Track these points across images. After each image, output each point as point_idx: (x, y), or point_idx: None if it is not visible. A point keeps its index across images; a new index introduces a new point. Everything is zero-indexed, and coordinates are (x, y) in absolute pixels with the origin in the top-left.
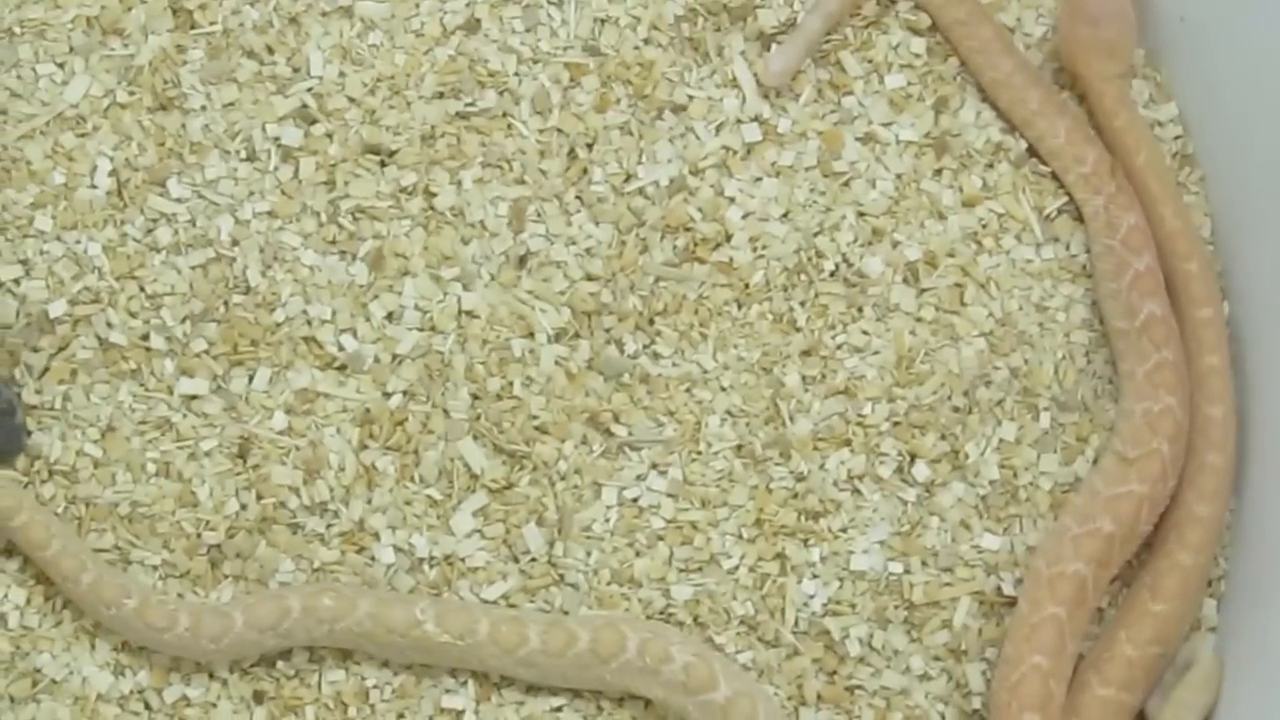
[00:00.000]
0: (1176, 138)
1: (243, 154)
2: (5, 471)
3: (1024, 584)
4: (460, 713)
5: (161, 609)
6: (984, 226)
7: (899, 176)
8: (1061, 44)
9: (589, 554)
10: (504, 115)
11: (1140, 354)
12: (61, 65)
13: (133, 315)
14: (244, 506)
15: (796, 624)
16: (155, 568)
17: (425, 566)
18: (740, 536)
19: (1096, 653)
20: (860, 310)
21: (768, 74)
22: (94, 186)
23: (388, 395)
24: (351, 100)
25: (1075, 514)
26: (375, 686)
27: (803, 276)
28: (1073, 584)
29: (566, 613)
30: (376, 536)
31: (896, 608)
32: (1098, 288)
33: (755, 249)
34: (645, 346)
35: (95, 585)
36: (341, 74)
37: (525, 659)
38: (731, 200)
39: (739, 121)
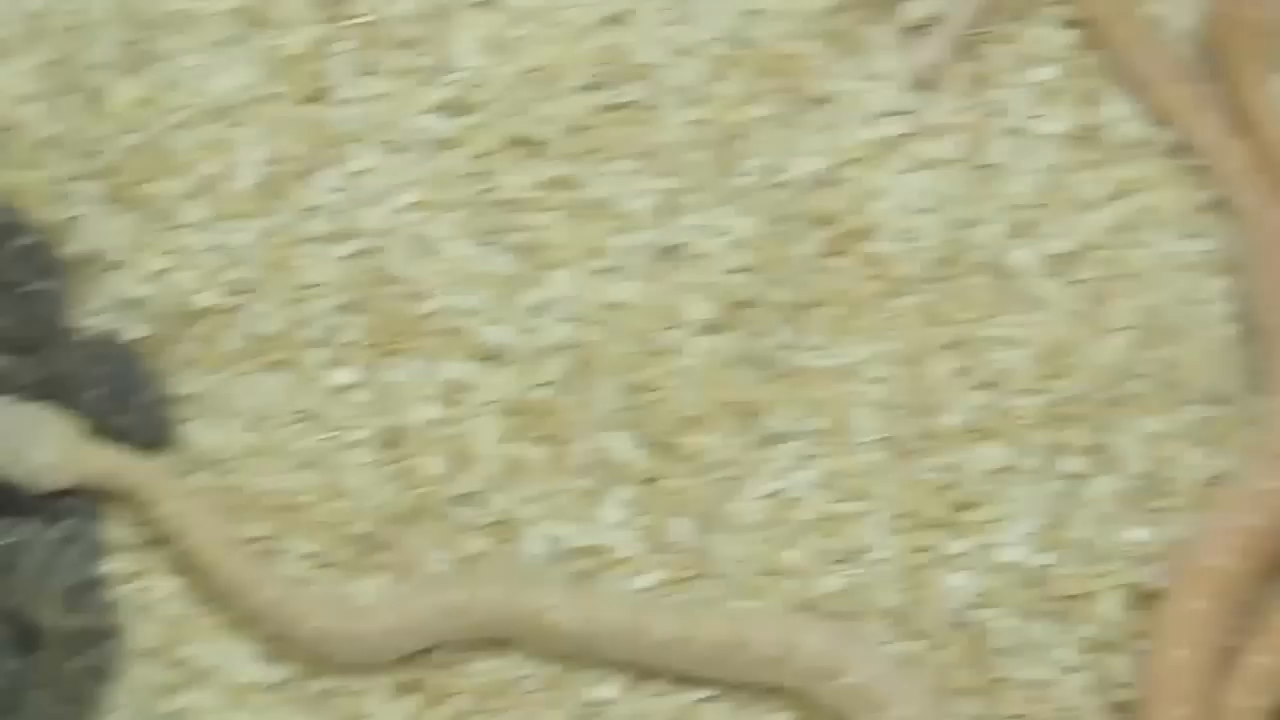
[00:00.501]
0: None
1: (391, 146)
2: (154, 462)
3: (1171, 578)
4: (608, 703)
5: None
6: (1131, 220)
7: (1046, 169)
8: (1214, 27)
9: (737, 546)
10: (652, 107)
11: None
12: (210, 57)
13: (282, 306)
14: (393, 497)
15: (944, 616)
16: (305, 557)
17: (574, 557)
18: (888, 528)
19: (1244, 652)
20: (1007, 303)
21: (915, 65)
22: (243, 178)
23: (536, 386)
24: (500, 91)
25: (1223, 508)
26: (525, 676)
27: (950, 269)
28: (1219, 579)
29: (714, 605)
30: (524, 527)
31: (1044, 600)
32: (1248, 282)
33: (902, 241)
34: (793, 339)
35: (237, 577)
36: (490, 65)
37: (653, 647)
38: (879, 193)
39: (886, 114)
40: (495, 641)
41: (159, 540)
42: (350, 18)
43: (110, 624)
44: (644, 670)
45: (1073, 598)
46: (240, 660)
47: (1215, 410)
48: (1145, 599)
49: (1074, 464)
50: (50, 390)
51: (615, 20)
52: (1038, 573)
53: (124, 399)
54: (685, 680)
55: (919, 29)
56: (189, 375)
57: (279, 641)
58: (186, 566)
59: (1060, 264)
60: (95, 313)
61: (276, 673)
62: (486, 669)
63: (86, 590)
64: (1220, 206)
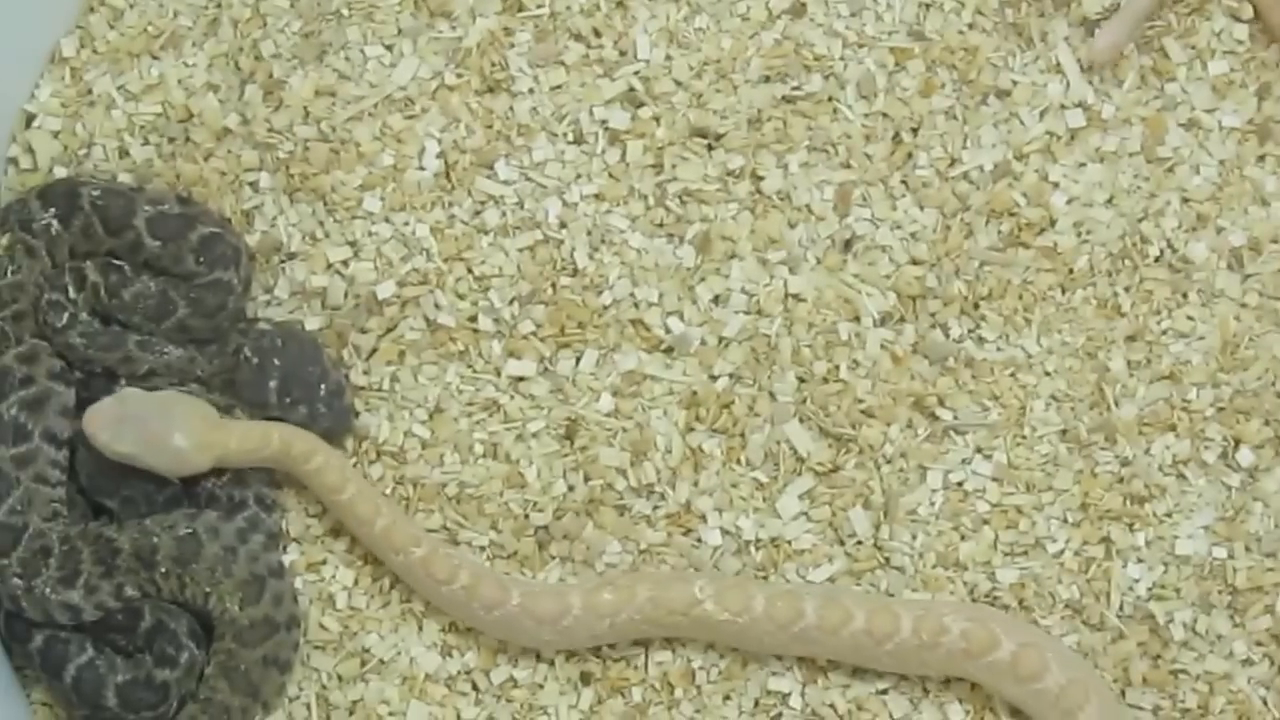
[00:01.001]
0: None
1: (570, 137)
2: (335, 450)
3: None
4: (786, 695)
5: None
6: None
7: (1222, 163)
8: None
9: (914, 537)
10: (829, 99)
11: None
12: (389, 47)
13: (460, 297)
14: (571, 488)
15: (1121, 608)
16: (483, 549)
17: (752, 549)
18: (1065, 520)
19: None
20: (1185, 296)
21: (1094, 51)
22: (422, 168)
23: (714, 378)
24: (678, 84)
25: None
26: (701, 668)
27: (1127, 262)
28: None
29: (892, 595)
30: (703, 518)
31: (1220, 592)
32: None
33: (1079, 234)
34: (970, 331)
35: (427, 558)
36: (668, 57)
37: (800, 634)
38: (1056, 185)
39: (1063, 107)
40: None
41: (334, 532)
42: (529, 9)
43: (289, 614)
44: (823, 662)
45: (1248, 590)
46: (419, 651)
47: None
48: None
49: (1249, 457)
50: (230, 380)
51: (792, 12)
52: (1214, 566)
53: (304, 389)
54: (863, 672)
55: (1096, 22)
56: (368, 365)
57: (461, 632)
58: (366, 557)
59: (1236, 257)
60: (275, 303)
61: (454, 664)
62: (663, 660)
63: (265, 581)
64: None
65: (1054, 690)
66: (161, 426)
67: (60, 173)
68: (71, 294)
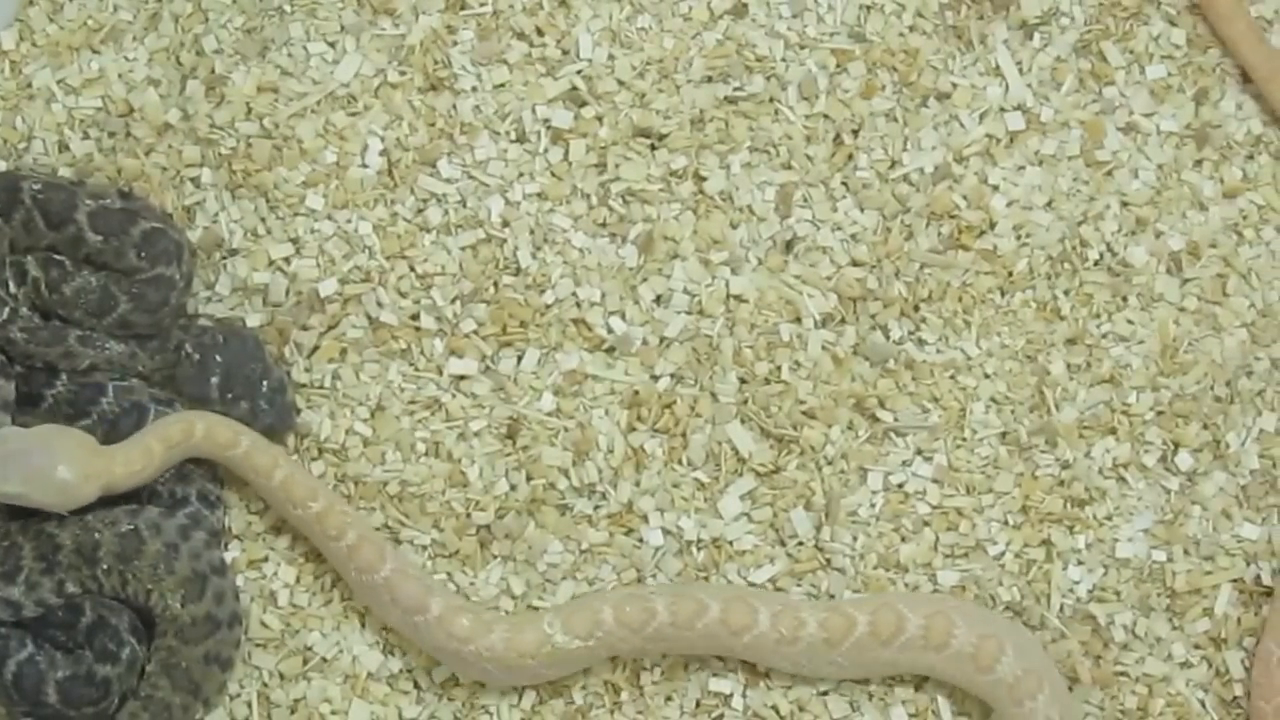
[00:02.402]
0: None
1: (513, 135)
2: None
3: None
4: (728, 696)
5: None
6: (1245, 218)
7: (1160, 167)
8: None
9: (855, 538)
10: (771, 100)
11: None
12: (333, 44)
13: (403, 295)
14: (513, 487)
15: (1062, 610)
16: (424, 547)
17: (693, 549)
18: (1006, 523)
19: None
20: (1124, 299)
21: None
22: (365, 166)
23: (656, 378)
24: (621, 83)
25: None
26: (643, 669)
27: (1066, 265)
28: None
29: (833, 596)
30: (645, 519)
31: (1159, 595)
32: None
33: (1019, 237)
34: (910, 333)
35: (322, 513)
36: (611, 57)
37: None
38: (995, 188)
39: (1002, 110)
40: None
41: (276, 529)
42: (471, 8)
43: (231, 612)
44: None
45: (1187, 593)
46: (361, 649)
47: None
48: (1256, 595)
49: (1188, 461)
50: (171, 376)
51: (734, 13)
52: (1153, 568)
53: (246, 386)
54: (798, 675)
55: (1034, 26)
56: (309, 363)
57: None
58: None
59: (1175, 261)
60: (217, 299)
61: (396, 662)
62: (603, 663)
63: (207, 578)
64: None
65: (1009, 680)
66: (45, 461)
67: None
68: (11, 289)
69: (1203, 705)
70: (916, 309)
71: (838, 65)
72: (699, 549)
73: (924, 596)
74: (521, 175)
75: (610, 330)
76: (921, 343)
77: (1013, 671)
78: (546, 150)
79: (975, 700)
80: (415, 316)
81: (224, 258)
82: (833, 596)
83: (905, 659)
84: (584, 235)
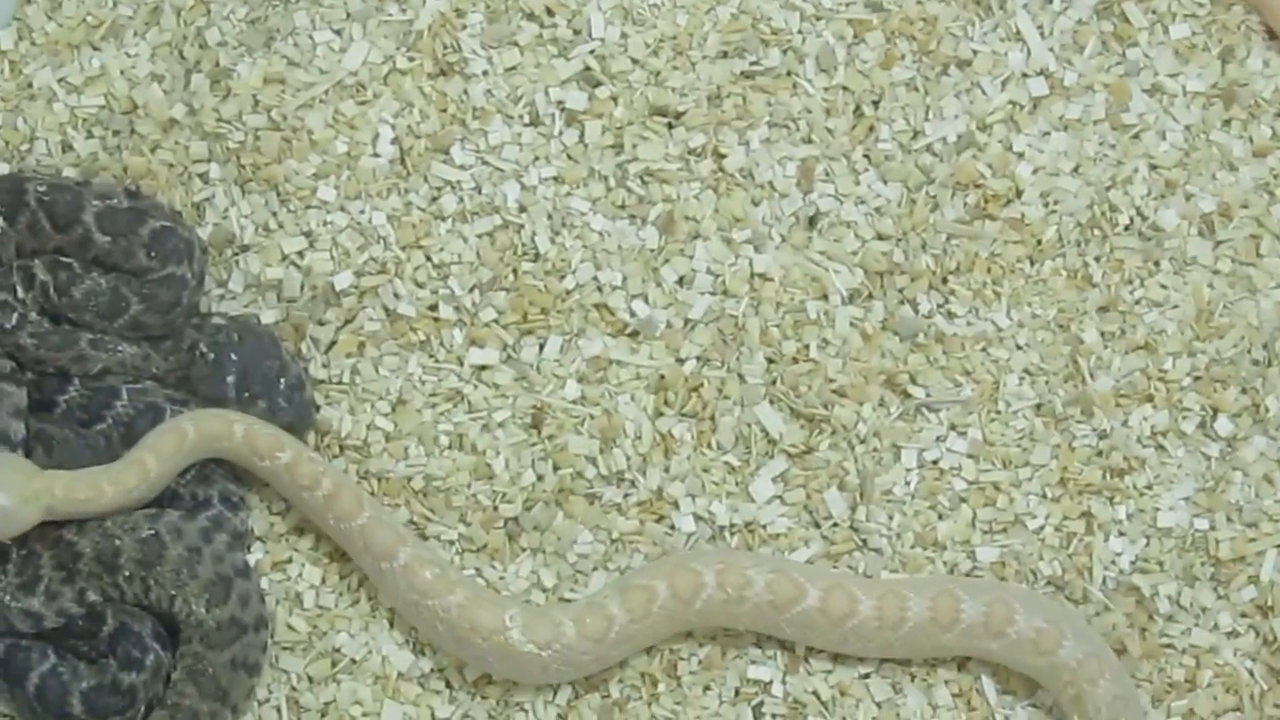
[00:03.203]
0: None
1: (526, 119)
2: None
3: None
4: (768, 683)
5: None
6: (1276, 176)
7: (1188, 128)
8: None
9: (891, 518)
10: (789, 74)
11: None
12: (339, 32)
13: (420, 285)
14: (540, 477)
15: (1104, 583)
16: (452, 542)
17: (726, 534)
18: (1044, 496)
19: None
20: (1157, 264)
21: None
22: (376, 155)
23: (681, 361)
24: (635, 62)
25: None
26: (681, 659)
27: (1096, 231)
28: None
29: (869, 576)
30: (675, 505)
31: (1203, 564)
32: None
33: (1047, 204)
34: (939, 306)
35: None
36: (624, 35)
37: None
38: (1020, 155)
39: (1025, 75)
40: None
41: (299, 529)
42: None
43: (256, 615)
44: (808, 648)
45: (1231, 561)
46: (390, 649)
47: None
48: None
49: (1228, 426)
50: (186, 377)
51: None
52: (1196, 537)
53: (263, 384)
54: (845, 658)
55: None
56: (327, 358)
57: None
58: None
59: (1207, 224)
60: (230, 296)
61: (427, 662)
62: (641, 655)
63: (231, 581)
64: None
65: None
66: None
67: (2, 169)
68: (20, 293)
69: (1251, 675)
70: (945, 281)
71: (855, 36)
72: (732, 534)
73: (981, 583)
74: (537, 159)
75: (633, 314)
76: (951, 315)
77: (1074, 656)
78: (561, 132)
79: (1020, 678)
80: (434, 307)
81: (236, 254)
82: (870, 578)
83: (963, 644)
84: (603, 218)
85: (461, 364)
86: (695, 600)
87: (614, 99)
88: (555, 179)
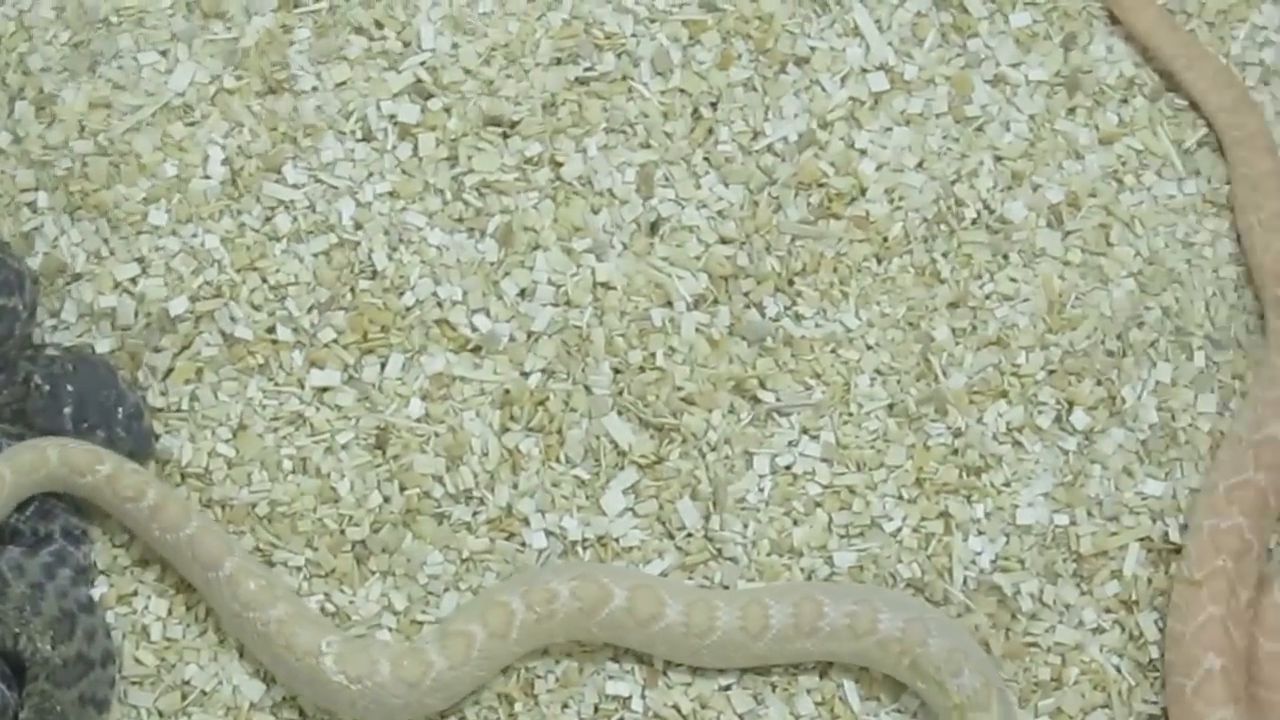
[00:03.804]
0: None
1: (359, 134)
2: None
3: (1187, 540)
4: (627, 698)
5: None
6: (1123, 164)
7: (1032, 118)
8: None
9: (746, 525)
10: (624, 78)
11: None
12: (164, 53)
13: (256, 308)
14: (387, 499)
15: (965, 583)
16: (299, 568)
17: (579, 549)
18: (901, 497)
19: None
20: (1006, 257)
21: None
22: (207, 177)
23: (526, 375)
24: (467, 72)
25: (1224, 467)
26: (538, 676)
27: (943, 226)
28: (1234, 537)
29: (727, 587)
30: (526, 522)
31: (1065, 560)
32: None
33: (892, 201)
34: (786, 308)
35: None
36: (455, 45)
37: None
38: (863, 152)
39: (864, 71)
40: None
41: (144, 561)
42: (306, 5)
43: (103, 650)
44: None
45: (1093, 556)
46: (241, 679)
47: (1220, 354)
48: (1165, 553)
49: (1084, 419)
50: (22, 410)
51: None
52: (1057, 533)
53: (100, 414)
54: (704, 671)
55: None
56: (165, 385)
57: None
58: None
59: (1055, 214)
60: (63, 327)
61: (278, 691)
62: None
63: (76, 617)
64: (1210, 144)
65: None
66: None
67: None
68: None
69: (1118, 670)
70: (791, 283)
71: (690, 37)
72: (584, 548)
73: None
74: (371, 175)
75: (475, 329)
76: (799, 318)
77: (939, 649)
78: (395, 147)
79: (883, 683)
80: (271, 330)
81: (68, 283)
82: (726, 588)
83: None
84: (440, 232)
85: (302, 386)
86: (510, 632)
87: (447, 110)
88: (390, 194)
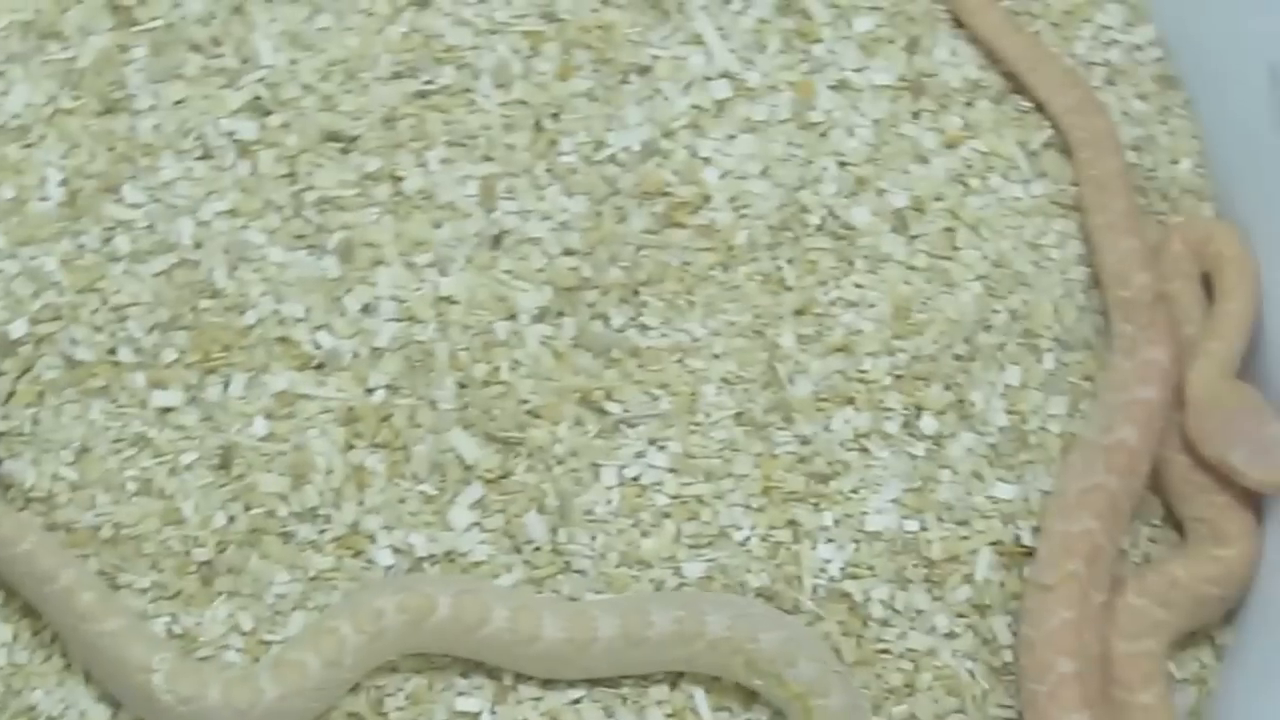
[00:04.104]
0: (1158, 59)
1: (198, 153)
2: None
3: (1039, 544)
4: (476, 715)
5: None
6: (969, 167)
7: (876, 122)
8: None
9: (594, 538)
10: (465, 91)
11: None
12: (0, 74)
13: (97, 330)
14: (232, 519)
15: (815, 591)
16: (145, 590)
17: (426, 565)
18: (749, 506)
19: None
20: (851, 263)
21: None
22: (45, 198)
23: (370, 391)
24: (306, 88)
25: (1074, 471)
26: (389, 695)
27: (788, 233)
28: (1085, 541)
29: (575, 599)
30: (372, 539)
31: (916, 566)
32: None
33: (736, 209)
34: (632, 319)
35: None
36: (293, 61)
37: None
38: (707, 160)
39: (707, 79)
40: None
41: None
42: (142, 23)
43: None
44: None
45: (944, 561)
46: (88, 704)
47: (1070, 356)
48: (1017, 557)
49: (933, 424)
50: None
51: (418, 4)
52: (907, 539)
53: None
54: (554, 684)
55: None
56: (6, 409)
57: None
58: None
59: (900, 219)
60: None
61: (125, 716)
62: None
63: None
64: (1056, 146)
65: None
66: None
67: None
68: None
69: (971, 675)
70: (636, 293)
71: (531, 48)
72: (432, 564)
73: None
74: (210, 193)
75: (318, 346)
76: (644, 328)
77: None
78: (234, 165)
79: (734, 692)
80: (113, 351)
81: None
82: (575, 600)
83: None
84: (281, 249)
85: (145, 407)
86: (343, 658)
87: (286, 127)
88: (230, 212)
